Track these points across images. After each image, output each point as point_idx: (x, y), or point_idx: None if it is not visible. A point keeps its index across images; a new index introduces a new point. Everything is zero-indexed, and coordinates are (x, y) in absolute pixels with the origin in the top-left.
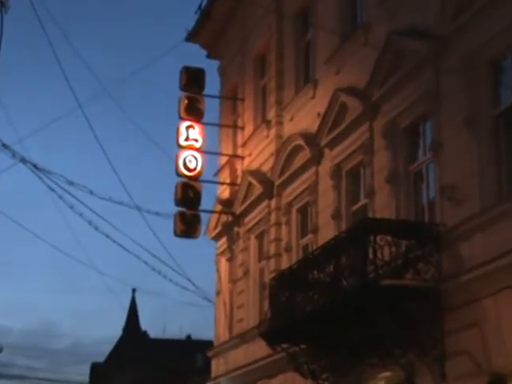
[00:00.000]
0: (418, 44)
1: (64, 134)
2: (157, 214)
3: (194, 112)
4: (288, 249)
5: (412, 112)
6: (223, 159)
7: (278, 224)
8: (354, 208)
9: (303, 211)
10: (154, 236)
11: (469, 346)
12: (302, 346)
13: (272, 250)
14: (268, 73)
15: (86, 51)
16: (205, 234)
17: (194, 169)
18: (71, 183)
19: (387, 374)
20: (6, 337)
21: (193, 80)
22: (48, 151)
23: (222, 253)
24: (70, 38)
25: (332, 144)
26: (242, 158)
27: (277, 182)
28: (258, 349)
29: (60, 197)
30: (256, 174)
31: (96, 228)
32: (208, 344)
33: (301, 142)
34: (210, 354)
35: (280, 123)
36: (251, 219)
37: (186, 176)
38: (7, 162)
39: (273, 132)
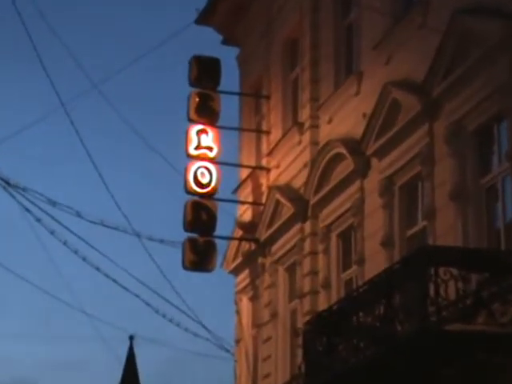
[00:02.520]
0: (491, 25)
1: (43, 141)
2: (161, 241)
3: (207, 113)
4: (326, 285)
5: (483, 111)
6: (244, 172)
7: (313, 253)
8: (410, 233)
9: (345, 237)
10: (157, 269)
11: None
12: None
13: (306, 286)
14: (300, 63)
15: (71, 41)
16: (221, 267)
17: (208, 184)
18: (53, 203)
19: None
20: None
21: (205, 73)
22: (23, 163)
23: (243, 290)
24: (52, 25)
25: (381, 152)
26: (268, 170)
27: (312, 201)
28: None
29: (38, 220)
30: (285, 190)
31: (84, 259)
32: None
33: (342, 149)
34: None
35: (315, 126)
36: (280, 247)
37: (197, 193)
38: None
39: (306, 137)
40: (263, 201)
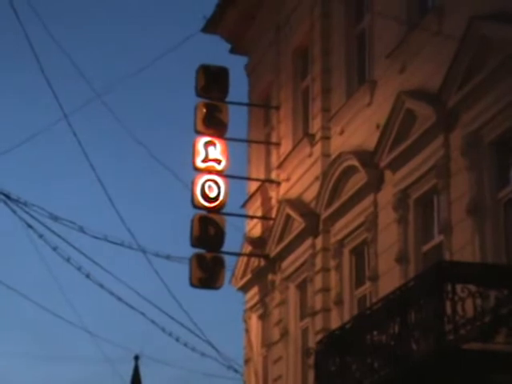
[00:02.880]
0: (510, 32)
1: (45, 153)
2: (167, 257)
3: (214, 124)
4: (339, 302)
5: (502, 121)
6: (253, 185)
7: (325, 269)
8: (426, 248)
9: (358, 253)
10: (163, 286)
11: None
12: None
13: (318, 303)
14: (311, 72)
15: (74, 50)
16: (230, 284)
17: (216, 198)
18: (55, 218)
19: None
20: None
21: (213, 82)
22: (24, 177)
23: (253, 308)
24: (54, 35)
25: (395, 164)
26: (278, 183)
27: (323, 215)
28: None
29: (40, 236)
30: (296, 204)
31: (87, 276)
32: None
33: (354, 162)
34: None
35: (327, 138)
36: (290, 263)
37: (204, 208)
38: None
39: (318, 149)
40: (273, 215)
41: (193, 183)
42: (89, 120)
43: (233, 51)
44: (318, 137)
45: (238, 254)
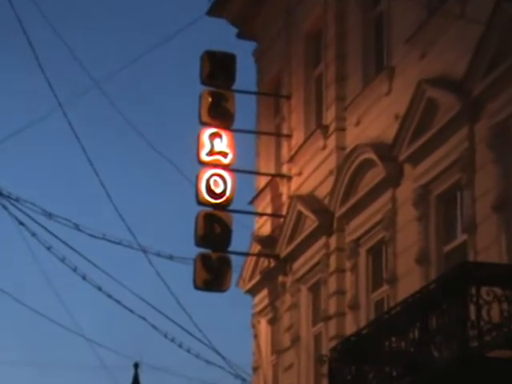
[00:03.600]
0: None
1: (38, 146)
2: (170, 257)
3: (220, 115)
4: (355, 306)
5: None
6: (262, 180)
7: (340, 271)
8: (448, 248)
9: (376, 253)
10: (165, 289)
11: None
12: None
13: (332, 307)
14: (324, 58)
15: (69, 35)
16: (237, 286)
17: (222, 194)
18: (49, 215)
19: None
20: None
21: (219, 70)
22: (15, 171)
23: (262, 312)
24: (50, 20)
25: (416, 158)
26: (289, 178)
27: (338, 213)
28: None
29: (33, 234)
30: (308, 200)
31: (83, 277)
32: None
33: (371, 155)
34: None
35: (342, 129)
36: (302, 264)
37: (210, 204)
38: None
39: (332, 141)
40: (283, 212)
41: (197, 178)
42: (86, 111)
43: (240, 36)
44: (332, 128)
45: (246, 254)
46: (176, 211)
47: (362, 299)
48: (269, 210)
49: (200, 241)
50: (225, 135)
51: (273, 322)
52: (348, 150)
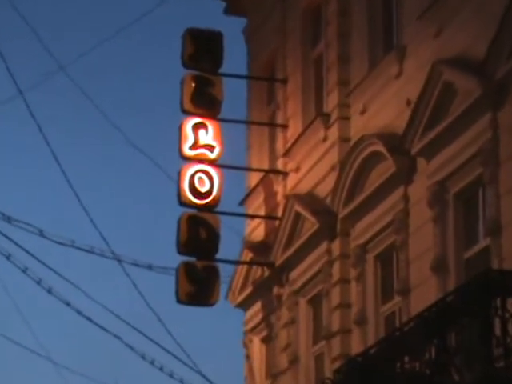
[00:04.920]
0: None
1: None
2: (149, 267)
3: (205, 102)
4: (361, 321)
5: None
6: (254, 177)
7: (344, 281)
8: (469, 254)
9: (385, 259)
10: (143, 303)
11: None
12: None
13: (335, 323)
14: (325, 37)
15: (31, 14)
16: (226, 299)
17: (208, 194)
18: (8, 219)
19: None
20: None
21: (203, 51)
22: None
23: (255, 329)
24: None
25: (431, 150)
26: (285, 174)
27: (342, 214)
28: None
29: None
30: (308, 200)
31: (49, 291)
32: None
33: (380, 147)
34: None
35: (345, 118)
36: (301, 274)
37: (194, 205)
38: None
39: (334, 132)
40: (279, 214)
41: (179, 175)
42: (51, 98)
43: (228, 11)
44: (334, 117)
45: (236, 263)
46: (155, 214)
47: (369, 313)
48: (262, 212)
49: (183, 248)
50: (211, 126)
51: (267, 340)
52: (352, 141)
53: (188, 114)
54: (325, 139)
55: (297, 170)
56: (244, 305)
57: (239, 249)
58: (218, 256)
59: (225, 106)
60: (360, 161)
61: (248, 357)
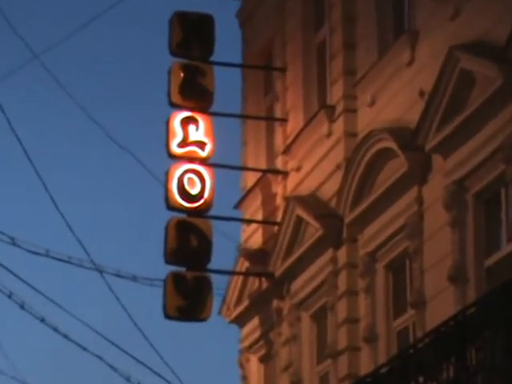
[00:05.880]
0: None
1: None
2: (133, 278)
3: (196, 94)
4: (371, 337)
5: None
6: (250, 178)
7: (351, 293)
8: (491, 261)
9: (397, 268)
10: (127, 319)
11: None
12: None
13: (342, 340)
14: (328, 21)
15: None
16: (219, 314)
17: (199, 196)
18: None
19: None
20: None
21: (193, 36)
22: None
23: (252, 347)
24: None
25: (447, 146)
26: (285, 174)
27: (348, 218)
28: None
29: None
30: (310, 202)
31: (21, 306)
32: None
33: (390, 143)
34: None
35: (352, 110)
36: (303, 285)
37: (184, 209)
38: None
39: (339, 126)
40: (278, 219)
41: (167, 176)
42: (21, 92)
43: None
44: (339, 109)
45: (231, 273)
46: (140, 219)
47: (380, 328)
48: (259, 216)
49: (171, 256)
50: (202, 120)
51: (266, 359)
52: (360, 137)
53: (176, 107)
54: (329, 134)
55: (298, 169)
56: (240, 320)
57: (234, 257)
58: (211, 266)
59: (217, 98)
60: (368, 158)
61: (245, 378)
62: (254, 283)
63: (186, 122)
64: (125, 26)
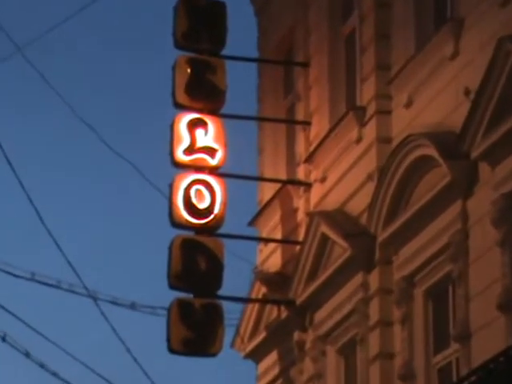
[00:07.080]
0: None
1: None
2: (132, 306)
3: (205, 93)
4: (408, 375)
5: None
6: (267, 190)
7: (385, 324)
8: None
9: (439, 295)
10: (125, 352)
11: None
12: None
13: (374, 378)
14: (358, 8)
15: None
16: (232, 348)
17: (208, 211)
18: None
19: None
20: None
21: (202, 27)
22: None
23: None
24: None
25: (496, 154)
26: (308, 185)
27: (381, 236)
28: None
29: None
30: (337, 219)
31: (3, 339)
32: None
33: (430, 150)
34: None
35: (386, 112)
36: (328, 315)
37: (190, 226)
38: None
39: (371, 131)
40: (300, 238)
41: (171, 187)
42: (5, 87)
43: None
44: (370, 111)
45: (246, 300)
46: (140, 238)
47: (418, 365)
48: (278, 235)
49: (176, 281)
50: (211, 123)
51: None
52: (395, 143)
53: (182, 108)
54: (359, 140)
55: (322, 180)
56: (256, 355)
57: (249, 282)
58: (222, 292)
59: (229, 97)
60: (404, 168)
61: None
62: (271, 312)
63: (193, 125)
64: (122, 14)
